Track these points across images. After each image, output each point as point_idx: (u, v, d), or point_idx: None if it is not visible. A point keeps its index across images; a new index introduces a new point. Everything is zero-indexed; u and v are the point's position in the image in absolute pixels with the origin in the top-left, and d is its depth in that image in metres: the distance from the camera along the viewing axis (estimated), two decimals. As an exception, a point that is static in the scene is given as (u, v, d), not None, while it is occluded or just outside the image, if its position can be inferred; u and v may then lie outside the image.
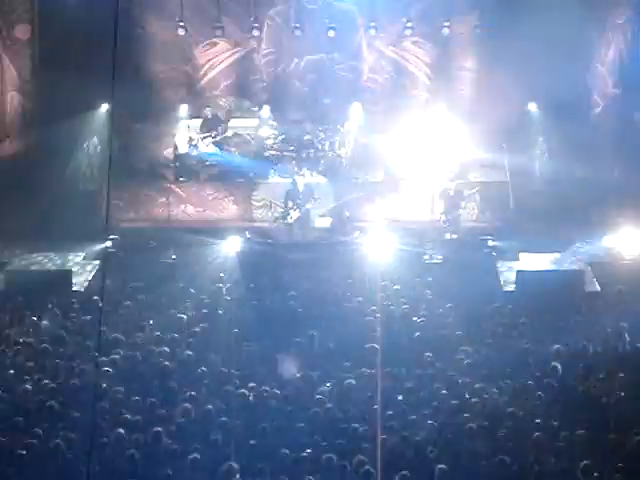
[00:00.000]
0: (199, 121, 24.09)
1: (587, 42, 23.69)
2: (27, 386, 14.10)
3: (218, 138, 23.74)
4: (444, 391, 13.93)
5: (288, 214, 22.07)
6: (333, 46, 24.68)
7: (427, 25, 24.45)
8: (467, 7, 24.22)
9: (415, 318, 17.03)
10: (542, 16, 22.62)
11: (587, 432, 12.71)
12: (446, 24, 24.10)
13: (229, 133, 23.95)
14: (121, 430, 12.55)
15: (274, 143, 23.70)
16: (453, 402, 13.64)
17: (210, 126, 23.83)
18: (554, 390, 14.08)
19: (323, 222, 22.63)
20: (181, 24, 24.07)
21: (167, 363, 14.95)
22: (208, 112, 24.00)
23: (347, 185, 23.08)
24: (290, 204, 22.07)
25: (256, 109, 24.72)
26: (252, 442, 12.57)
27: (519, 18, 22.93)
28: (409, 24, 24.20)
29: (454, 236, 21.77)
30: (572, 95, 22.94)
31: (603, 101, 24.00)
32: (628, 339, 15.87)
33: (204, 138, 23.68)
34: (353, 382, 14.21)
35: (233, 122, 24.43)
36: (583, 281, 19.53)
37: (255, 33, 24.65)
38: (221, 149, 23.80)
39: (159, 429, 12.57)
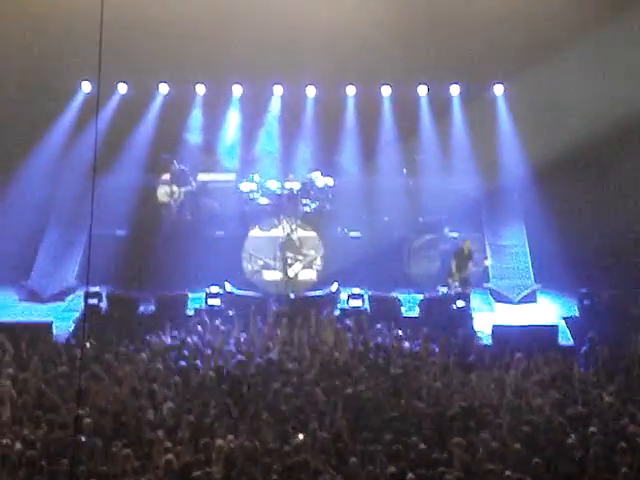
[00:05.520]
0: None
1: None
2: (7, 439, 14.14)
3: (194, 189, 24.11)
4: (422, 445, 14.04)
5: (270, 266, 22.51)
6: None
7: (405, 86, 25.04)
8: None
9: (392, 370, 17.20)
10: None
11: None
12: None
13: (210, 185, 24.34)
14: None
15: (254, 196, 23.97)
16: (433, 456, 13.76)
17: (180, 180, 24.15)
18: (530, 443, 14.24)
19: (301, 274, 22.91)
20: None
21: (147, 415, 15.05)
22: (175, 165, 24.29)
23: (328, 238, 23.34)
24: (279, 257, 22.51)
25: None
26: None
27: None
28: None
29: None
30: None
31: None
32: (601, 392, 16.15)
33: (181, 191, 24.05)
34: (325, 435, 14.33)
35: (214, 176, 24.76)
36: (557, 335, 19.82)
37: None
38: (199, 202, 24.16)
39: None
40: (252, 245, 23.22)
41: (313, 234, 23.23)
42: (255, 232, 23.48)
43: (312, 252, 23.02)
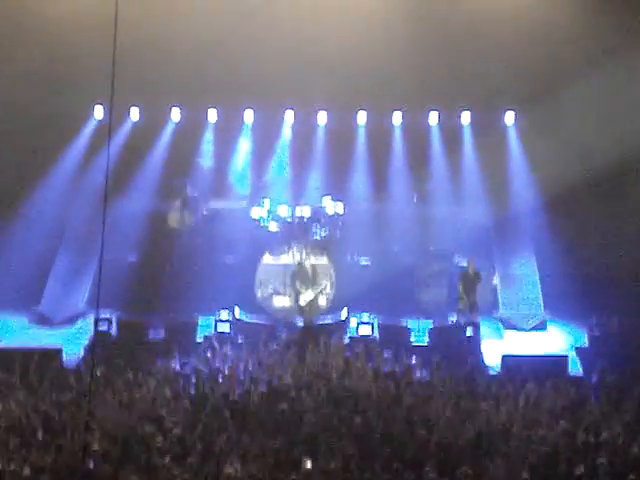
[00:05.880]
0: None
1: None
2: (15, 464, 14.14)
3: (205, 215, 24.19)
4: (432, 475, 13.99)
5: (280, 293, 22.52)
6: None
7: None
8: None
9: (403, 398, 17.15)
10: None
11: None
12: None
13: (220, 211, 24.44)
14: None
15: (264, 223, 24.02)
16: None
17: (190, 206, 24.26)
18: (539, 473, 14.20)
19: (311, 302, 22.92)
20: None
21: (155, 441, 15.04)
22: (187, 190, 24.37)
23: (337, 266, 23.36)
24: (289, 284, 22.54)
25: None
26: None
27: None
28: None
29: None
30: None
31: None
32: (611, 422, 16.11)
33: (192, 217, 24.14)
34: (333, 465, 14.28)
35: (224, 202, 24.85)
36: (567, 366, 19.78)
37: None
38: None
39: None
40: (262, 272, 23.24)
41: (323, 262, 23.24)
42: (265, 258, 23.49)
43: (323, 280, 23.02)
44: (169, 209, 24.39)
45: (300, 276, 22.81)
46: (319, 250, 23.42)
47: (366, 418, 16.10)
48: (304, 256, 23.24)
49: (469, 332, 21.12)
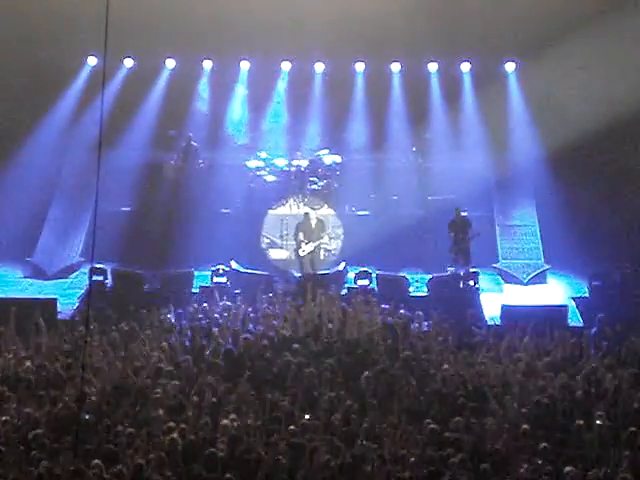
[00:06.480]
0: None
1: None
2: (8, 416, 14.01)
3: (201, 166, 23.99)
4: (432, 425, 13.90)
5: (277, 245, 22.33)
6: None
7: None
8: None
9: (401, 350, 17.04)
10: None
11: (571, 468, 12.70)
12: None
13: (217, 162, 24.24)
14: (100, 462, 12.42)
15: (261, 174, 23.83)
16: (444, 435, 13.64)
17: (187, 156, 24.06)
18: (539, 425, 14.11)
19: (310, 254, 22.77)
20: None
21: (152, 393, 14.92)
22: (187, 140, 24.13)
23: (335, 217, 23.19)
24: (286, 235, 22.37)
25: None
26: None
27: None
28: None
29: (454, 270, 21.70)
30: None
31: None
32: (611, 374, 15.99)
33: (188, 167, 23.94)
34: (338, 415, 14.18)
35: (221, 152, 24.63)
36: (567, 316, 19.62)
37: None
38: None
39: (141, 461, 12.51)
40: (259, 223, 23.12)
41: (324, 213, 23.08)
42: (262, 210, 23.34)
43: (324, 232, 22.85)
44: (165, 159, 24.19)
45: (303, 228, 22.56)
46: (318, 202, 23.25)
47: (365, 369, 15.98)
48: (303, 207, 23.06)
49: (468, 284, 20.98)
